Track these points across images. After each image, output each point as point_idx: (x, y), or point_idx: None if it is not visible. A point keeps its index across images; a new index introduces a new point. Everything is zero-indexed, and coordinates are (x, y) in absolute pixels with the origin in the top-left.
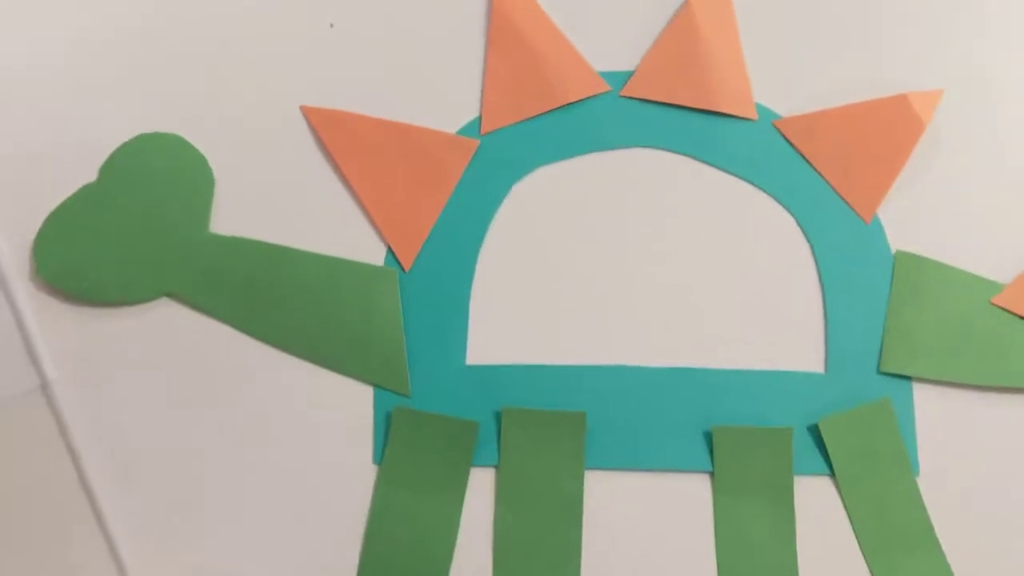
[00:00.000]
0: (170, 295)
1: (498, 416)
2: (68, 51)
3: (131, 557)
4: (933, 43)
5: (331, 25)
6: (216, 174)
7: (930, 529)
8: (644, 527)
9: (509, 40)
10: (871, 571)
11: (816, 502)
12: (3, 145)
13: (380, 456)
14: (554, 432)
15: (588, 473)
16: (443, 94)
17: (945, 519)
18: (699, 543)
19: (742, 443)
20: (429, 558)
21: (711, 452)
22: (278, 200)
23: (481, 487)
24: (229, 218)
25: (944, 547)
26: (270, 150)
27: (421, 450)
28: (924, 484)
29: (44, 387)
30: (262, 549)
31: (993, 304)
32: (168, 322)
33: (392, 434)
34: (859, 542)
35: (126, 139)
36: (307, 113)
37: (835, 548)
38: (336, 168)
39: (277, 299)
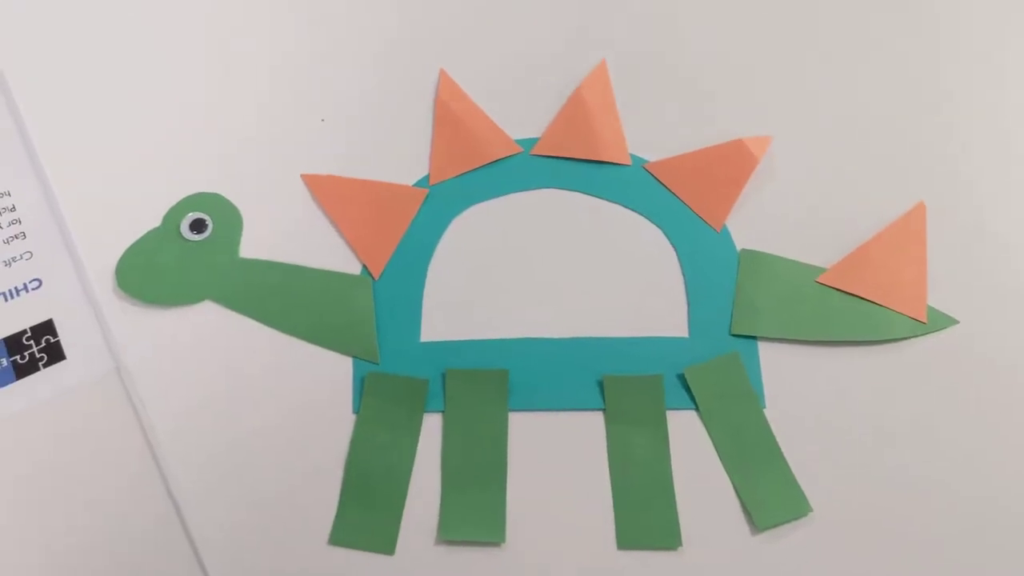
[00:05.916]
0: (211, 300)
1: (443, 376)
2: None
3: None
4: (765, 96)
5: (322, 120)
6: (244, 217)
7: (776, 447)
8: (555, 453)
9: (448, 119)
10: (732, 482)
11: (686, 431)
12: (99, 201)
13: (358, 407)
14: (484, 385)
15: (511, 414)
16: (403, 159)
17: (788, 438)
18: (596, 463)
19: (626, 387)
20: (394, 481)
21: (603, 395)
22: (287, 235)
23: (432, 428)
24: (254, 246)
25: (788, 459)
26: (282, 201)
27: (387, 402)
28: (770, 413)
29: (119, 370)
30: (271, 472)
31: (817, 282)
32: (209, 318)
33: (365, 391)
34: (721, 460)
35: (182, 195)
36: (305, 179)
37: (703, 466)
38: (327, 213)
39: (286, 300)
